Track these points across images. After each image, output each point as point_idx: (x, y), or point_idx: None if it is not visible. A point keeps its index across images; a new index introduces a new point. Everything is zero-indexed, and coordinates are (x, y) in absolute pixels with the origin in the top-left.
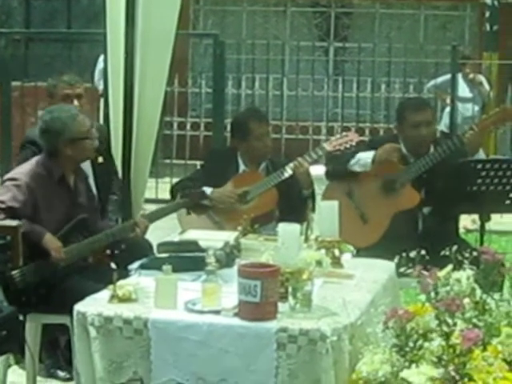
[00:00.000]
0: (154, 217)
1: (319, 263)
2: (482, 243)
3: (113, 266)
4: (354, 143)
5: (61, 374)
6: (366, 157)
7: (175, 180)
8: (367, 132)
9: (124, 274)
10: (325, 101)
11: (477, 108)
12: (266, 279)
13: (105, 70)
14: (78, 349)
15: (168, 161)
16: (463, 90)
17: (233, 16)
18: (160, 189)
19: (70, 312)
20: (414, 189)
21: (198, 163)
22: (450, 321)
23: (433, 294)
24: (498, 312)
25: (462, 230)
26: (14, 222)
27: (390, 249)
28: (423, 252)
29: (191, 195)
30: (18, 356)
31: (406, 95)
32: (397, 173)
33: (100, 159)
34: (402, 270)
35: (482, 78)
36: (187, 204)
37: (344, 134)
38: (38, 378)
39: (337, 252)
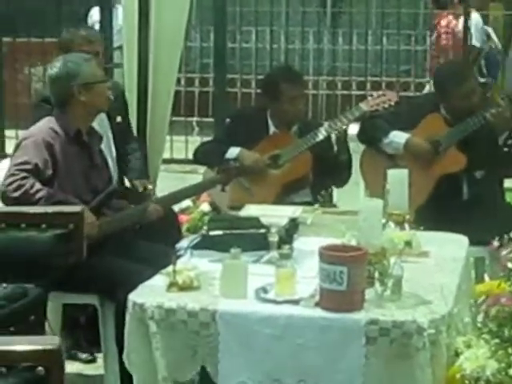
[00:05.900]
0: (175, 199)
1: (408, 244)
2: None
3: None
4: (392, 103)
5: (82, 355)
6: (398, 140)
7: (175, 138)
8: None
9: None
10: (325, 54)
11: None
12: (353, 265)
13: (100, 23)
14: (132, 345)
15: None
16: None
17: None
18: None
19: (98, 291)
20: (459, 151)
21: (195, 120)
22: None
23: None
24: None
25: None
26: (77, 208)
27: (432, 214)
28: None
29: (227, 171)
30: None
31: None
32: (441, 135)
33: (118, 119)
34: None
35: (489, 29)
36: (222, 181)
37: (381, 92)
38: None
39: (407, 227)
